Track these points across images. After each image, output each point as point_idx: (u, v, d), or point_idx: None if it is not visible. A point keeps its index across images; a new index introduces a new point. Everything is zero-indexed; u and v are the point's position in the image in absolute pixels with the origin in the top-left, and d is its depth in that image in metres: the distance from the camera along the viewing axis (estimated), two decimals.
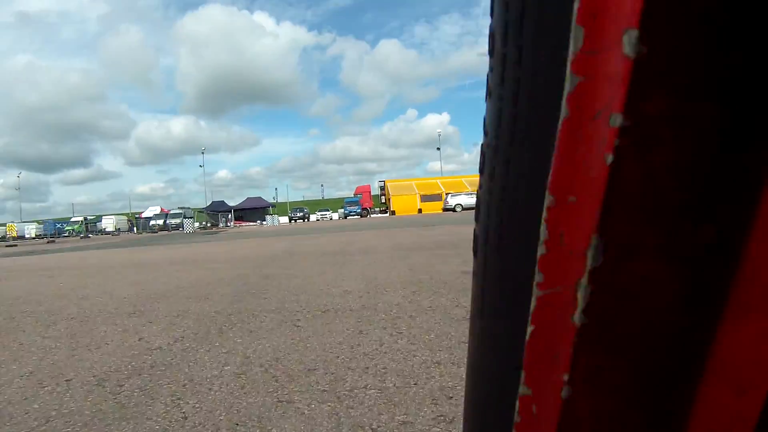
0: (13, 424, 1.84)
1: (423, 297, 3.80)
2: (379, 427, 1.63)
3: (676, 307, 0.26)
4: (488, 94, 0.36)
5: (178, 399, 2.00)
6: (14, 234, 59.20)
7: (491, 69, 0.35)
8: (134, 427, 1.74)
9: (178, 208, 62.65)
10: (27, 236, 56.46)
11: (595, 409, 0.28)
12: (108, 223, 58.53)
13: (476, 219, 0.38)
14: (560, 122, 0.27)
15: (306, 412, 1.79)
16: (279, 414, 1.79)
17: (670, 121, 0.24)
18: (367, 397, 1.91)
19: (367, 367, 2.25)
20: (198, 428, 1.71)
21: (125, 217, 65.79)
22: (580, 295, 0.26)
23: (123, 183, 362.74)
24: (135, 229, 58.10)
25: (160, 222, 55.04)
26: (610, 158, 0.24)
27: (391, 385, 2.02)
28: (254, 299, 4.20)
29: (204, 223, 56.96)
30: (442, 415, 1.70)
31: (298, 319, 3.29)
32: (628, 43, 0.23)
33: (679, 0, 0.22)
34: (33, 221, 70.96)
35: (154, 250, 13.70)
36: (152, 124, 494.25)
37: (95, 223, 63.73)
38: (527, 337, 0.30)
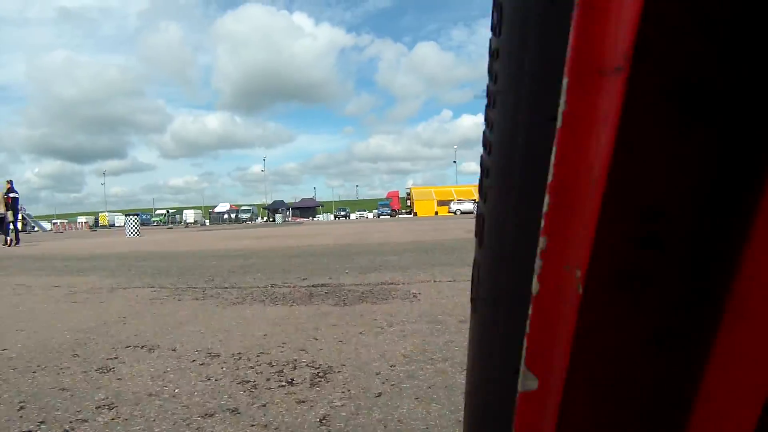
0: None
1: (411, 238, 11.36)
2: None
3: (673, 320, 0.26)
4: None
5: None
6: (105, 222, 68.75)
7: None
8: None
9: (247, 205, 74.65)
10: (117, 225, 65.83)
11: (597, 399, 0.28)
12: (189, 216, 68.25)
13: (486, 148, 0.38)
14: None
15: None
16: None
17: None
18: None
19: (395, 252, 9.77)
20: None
21: (200, 211, 76.01)
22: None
23: (157, 175, 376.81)
24: (207, 221, 67.33)
25: (233, 216, 65.10)
26: (578, 273, 0.26)
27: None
28: (360, 246, 10.97)
29: (265, 218, 66.82)
30: None
31: (384, 251, 8.66)
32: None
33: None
34: (118, 211, 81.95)
35: (276, 229, 21.30)
36: (188, 119, 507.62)
37: (175, 215, 74.02)
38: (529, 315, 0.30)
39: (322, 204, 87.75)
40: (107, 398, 1.75)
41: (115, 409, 1.65)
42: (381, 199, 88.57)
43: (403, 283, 4.25)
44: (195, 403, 1.69)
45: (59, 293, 4.47)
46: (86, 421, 1.56)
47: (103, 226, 62.28)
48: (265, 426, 1.48)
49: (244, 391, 1.79)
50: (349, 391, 1.75)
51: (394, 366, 2.01)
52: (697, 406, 0.27)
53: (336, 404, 1.63)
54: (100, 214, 76.07)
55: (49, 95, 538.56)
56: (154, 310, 3.48)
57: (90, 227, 60.31)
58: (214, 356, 2.26)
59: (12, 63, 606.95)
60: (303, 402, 1.66)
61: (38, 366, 2.20)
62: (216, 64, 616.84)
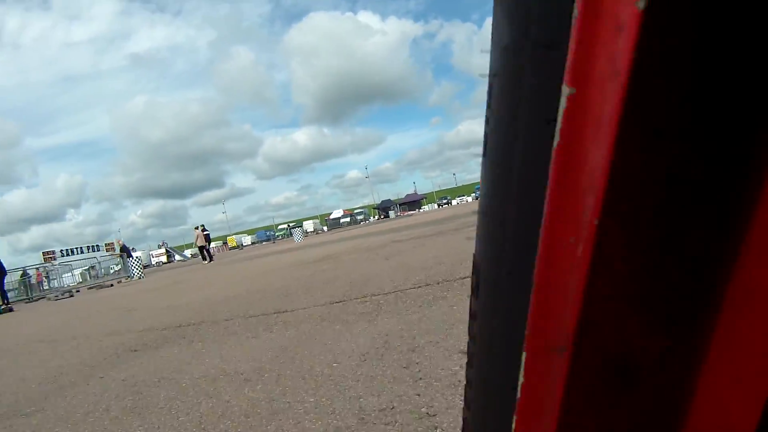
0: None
1: None
2: None
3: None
4: None
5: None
6: (234, 244, 76.41)
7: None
8: None
9: (359, 208, 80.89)
10: (244, 244, 73.22)
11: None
12: (308, 225, 74.42)
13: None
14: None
15: None
16: None
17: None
18: None
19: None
20: None
21: (317, 220, 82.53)
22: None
23: (258, 197, 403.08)
24: (324, 228, 73.03)
25: (347, 219, 70.35)
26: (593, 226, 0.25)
27: None
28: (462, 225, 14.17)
29: (376, 217, 71.71)
30: None
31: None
32: None
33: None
34: (243, 232, 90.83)
35: (387, 223, 24.65)
36: (276, 139, 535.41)
37: (295, 228, 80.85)
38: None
39: (425, 196, 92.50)
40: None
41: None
42: (478, 183, 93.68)
43: None
44: None
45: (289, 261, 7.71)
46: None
47: (233, 248, 69.29)
48: None
49: None
50: None
51: None
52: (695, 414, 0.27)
53: None
54: (228, 237, 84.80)
55: (137, 141, 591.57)
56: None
57: (229, 248, 67.65)
58: None
59: (95, 117, 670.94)
60: None
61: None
62: (292, 79, 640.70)
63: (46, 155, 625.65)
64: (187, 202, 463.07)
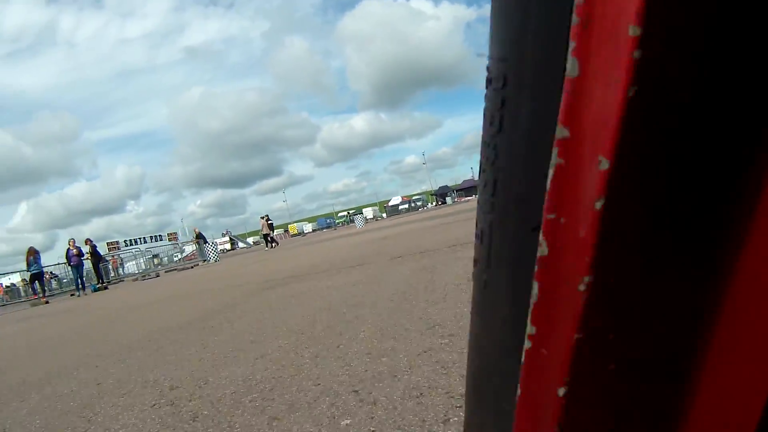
0: None
1: None
2: None
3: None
4: None
5: None
6: (295, 231, 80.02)
7: None
8: None
9: (417, 194, 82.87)
10: (306, 232, 76.70)
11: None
12: (368, 212, 77.29)
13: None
14: None
15: None
16: None
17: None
18: None
19: None
20: None
21: (377, 207, 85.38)
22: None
23: (316, 184, 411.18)
24: (384, 215, 75.52)
25: (406, 206, 72.70)
26: (605, 164, 0.23)
27: None
28: None
29: (434, 203, 73.60)
30: None
31: None
32: None
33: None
34: (303, 220, 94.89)
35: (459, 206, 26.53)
36: (334, 126, 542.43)
37: (356, 215, 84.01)
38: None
39: None
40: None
41: None
42: None
43: None
44: None
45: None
46: None
47: (294, 235, 72.59)
48: None
49: None
50: None
51: None
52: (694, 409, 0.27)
53: None
54: (289, 225, 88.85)
55: (195, 131, 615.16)
56: None
57: (291, 235, 71.29)
58: None
59: (152, 109, 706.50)
60: None
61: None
62: (348, 65, 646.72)
63: (105, 147, 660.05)
64: (246, 191, 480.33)
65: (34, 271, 16.95)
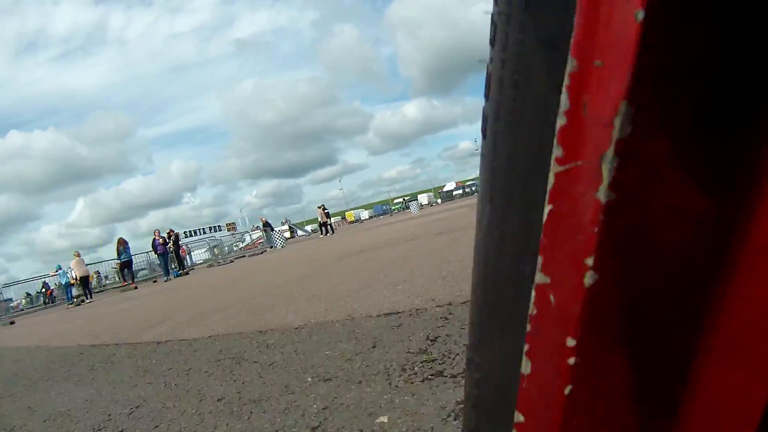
0: None
1: None
2: None
3: (705, 189, 0.24)
4: None
5: None
6: (352, 218, 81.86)
7: None
8: None
9: (471, 179, 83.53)
10: (363, 218, 78.49)
11: (621, 300, 0.26)
12: (423, 199, 78.60)
13: (486, 96, 0.35)
14: None
15: None
16: None
17: None
18: None
19: None
20: None
21: (431, 193, 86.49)
22: (606, 169, 0.24)
23: (370, 172, 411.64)
24: (438, 200, 76.41)
25: (460, 192, 73.32)
26: (641, 15, 0.22)
27: None
28: None
29: None
30: None
31: None
32: None
33: None
34: (360, 207, 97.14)
35: None
36: (387, 114, 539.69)
37: (411, 201, 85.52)
38: (544, 219, 0.27)
39: None
40: None
41: None
42: None
43: None
44: None
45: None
46: None
47: (352, 222, 74.44)
48: None
49: None
50: None
51: None
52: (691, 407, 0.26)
53: None
54: (346, 212, 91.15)
55: (249, 123, 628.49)
56: None
57: (348, 222, 73.43)
58: None
59: (205, 103, 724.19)
60: None
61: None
62: (398, 53, 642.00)
63: (160, 143, 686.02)
64: (301, 180, 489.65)
65: (124, 260, 19.15)
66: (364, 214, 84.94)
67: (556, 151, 0.26)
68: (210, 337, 3.69)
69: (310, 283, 5.41)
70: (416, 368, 1.94)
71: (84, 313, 9.95)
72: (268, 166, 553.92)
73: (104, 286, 18.81)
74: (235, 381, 2.38)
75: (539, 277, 0.28)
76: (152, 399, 2.42)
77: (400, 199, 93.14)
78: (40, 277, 24.50)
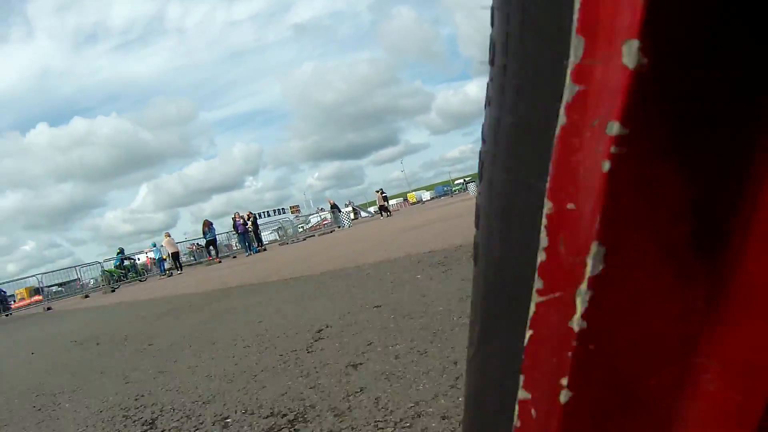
0: None
1: None
2: None
3: (677, 315, 0.26)
4: (487, 102, 0.36)
5: None
6: (414, 200, 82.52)
7: (491, 78, 0.34)
8: None
9: None
10: (424, 200, 79.13)
11: (594, 415, 0.28)
12: None
13: (476, 226, 0.38)
14: (558, 129, 0.27)
15: None
16: None
17: (668, 129, 0.24)
18: None
19: None
20: None
21: None
22: (579, 302, 0.26)
23: (432, 152, 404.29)
24: None
25: None
26: (607, 165, 0.24)
27: None
28: None
29: None
30: None
31: None
32: (628, 53, 0.23)
33: (679, 11, 0.22)
34: (421, 188, 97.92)
35: None
36: (448, 93, 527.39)
37: (470, 182, 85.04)
38: (526, 342, 0.30)
39: None
40: None
41: None
42: None
43: None
44: None
45: None
46: None
47: (414, 203, 74.88)
48: None
49: None
50: None
51: None
52: (698, 410, 0.27)
53: None
54: (408, 194, 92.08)
55: (310, 105, 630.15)
56: None
57: (410, 204, 74.50)
58: None
59: (265, 87, 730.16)
60: None
61: None
62: (458, 32, 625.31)
63: (222, 127, 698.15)
64: (363, 161, 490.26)
65: (209, 238, 21.56)
66: (426, 195, 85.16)
67: (537, 284, 0.29)
68: (324, 273, 5.61)
69: (383, 244, 7.37)
70: (440, 267, 3.96)
71: (190, 278, 11.91)
72: (330, 148, 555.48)
73: (182, 263, 21.15)
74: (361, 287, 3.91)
75: (521, 394, 0.31)
76: (330, 318, 3.56)
77: (461, 180, 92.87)
78: (138, 252, 27.35)
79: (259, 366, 2.49)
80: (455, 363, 1.82)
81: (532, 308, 0.30)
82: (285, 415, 1.75)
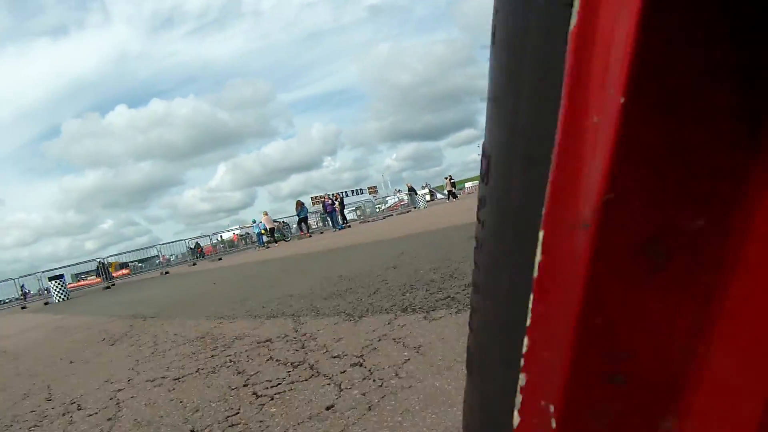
0: None
1: None
2: None
3: (677, 315, 0.26)
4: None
5: None
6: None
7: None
8: None
9: None
10: None
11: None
12: None
13: (474, 291, 0.41)
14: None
15: None
16: None
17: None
18: None
19: None
20: None
21: None
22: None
23: None
24: None
25: None
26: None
27: None
28: None
29: None
30: None
31: None
32: None
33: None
34: None
35: None
36: None
37: None
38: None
39: None
40: None
41: None
42: None
43: None
44: None
45: None
46: None
47: None
48: None
49: None
50: None
51: None
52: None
53: None
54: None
55: (387, 86, 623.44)
56: None
57: None
58: None
59: (342, 68, 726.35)
60: None
61: None
62: None
63: (299, 108, 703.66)
64: (441, 143, 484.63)
65: (302, 216, 24.93)
66: None
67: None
68: (404, 235, 8.18)
69: (453, 217, 9.58)
70: None
71: (294, 247, 14.87)
72: (407, 129, 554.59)
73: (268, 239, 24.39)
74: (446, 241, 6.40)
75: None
76: (408, 250, 6.37)
77: None
78: (239, 227, 31.44)
79: (375, 269, 5.18)
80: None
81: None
82: (412, 285, 4.51)
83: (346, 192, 46.24)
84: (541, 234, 0.29)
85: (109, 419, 2.25)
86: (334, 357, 2.36)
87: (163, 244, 25.78)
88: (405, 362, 2.06)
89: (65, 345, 5.02)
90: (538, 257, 0.30)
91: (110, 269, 23.10)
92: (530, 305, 0.31)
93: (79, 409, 2.52)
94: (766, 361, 0.25)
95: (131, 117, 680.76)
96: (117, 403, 2.46)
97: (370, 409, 1.69)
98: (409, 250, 5.99)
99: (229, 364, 2.69)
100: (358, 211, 32.23)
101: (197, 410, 2.09)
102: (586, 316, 0.27)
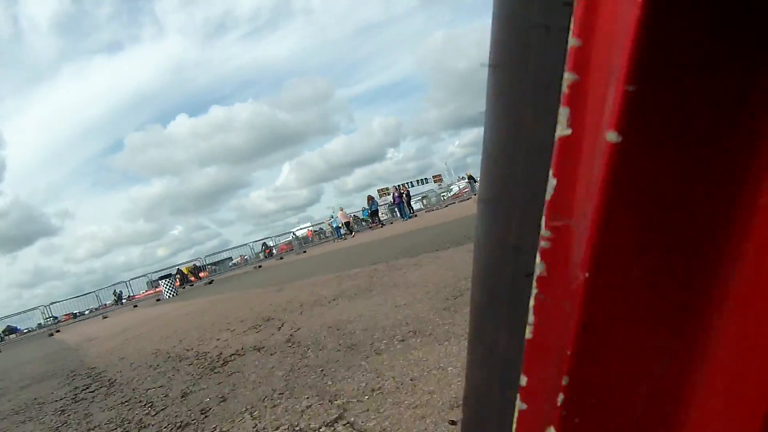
0: None
1: None
2: None
3: (676, 316, 0.27)
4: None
5: None
6: None
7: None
8: None
9: None
10: None
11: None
12: None
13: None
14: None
15: None
16: None
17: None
18: None
19: None
20: None
21: None
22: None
23: None
24: None
25: None
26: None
27: None
28: None
29: None
30: None
31: None
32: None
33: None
34: None
35: None
36: None
37: None
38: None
39: None
40: None
41: None
42: None
43: None
44: None
45: None
46: None
47: None
48: None
49: None
50: None
51: None
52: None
53: None
54: None
55: (444, 73, 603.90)
56: None
57: None
58: None
59: (398, 59, 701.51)
60: None
61: None
62: None
63: (359, 102, 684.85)
64: None
65: (373, 209, 28.12)
66: None
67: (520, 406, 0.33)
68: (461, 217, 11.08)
69: None
70: None
71: (373, 235, 17.95)
72: (469, 115, 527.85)
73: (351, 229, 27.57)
74: None
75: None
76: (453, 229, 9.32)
77: None
78: (320, 222, 35.04)
79: (435, 239, 8.17)
80: None
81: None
82: (458, 242, 7.57)
83: (411, 182, 48.11)
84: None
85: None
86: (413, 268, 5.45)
87: (236, 247, 28.69)
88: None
89: (230, 306, 8.37)
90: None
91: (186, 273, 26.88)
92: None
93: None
94: (766, 361, 0.25)
95: (192, 125, 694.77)
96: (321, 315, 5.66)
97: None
98: (454, 229, 8.92)
99: (365, 283, 5.79)
100: (424, 200, 33.59)
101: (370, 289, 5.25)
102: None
